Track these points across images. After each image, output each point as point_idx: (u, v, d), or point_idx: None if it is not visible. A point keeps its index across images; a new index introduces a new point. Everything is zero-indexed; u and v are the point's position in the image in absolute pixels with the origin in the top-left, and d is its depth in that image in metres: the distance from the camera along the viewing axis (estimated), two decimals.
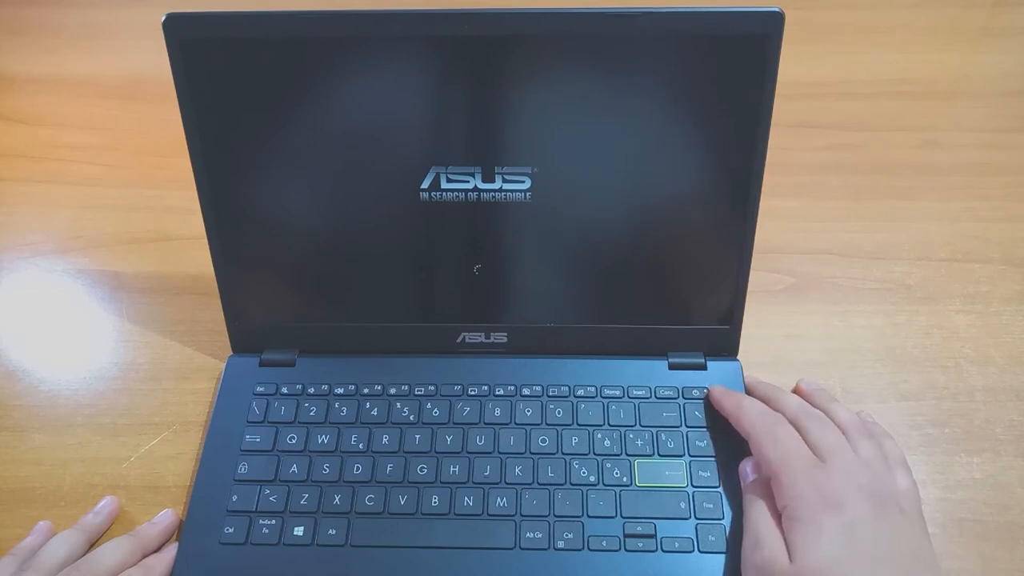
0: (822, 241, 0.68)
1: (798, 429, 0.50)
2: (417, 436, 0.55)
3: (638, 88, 0.50)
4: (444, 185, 0.53)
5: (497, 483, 0.53)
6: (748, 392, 0.56)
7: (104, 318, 0.65)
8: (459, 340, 0.58)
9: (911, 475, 0.49)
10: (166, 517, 0.52)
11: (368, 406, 0.56)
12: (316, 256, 0.57)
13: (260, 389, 0.57)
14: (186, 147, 0.52)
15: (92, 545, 0.51)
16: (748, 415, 0.51)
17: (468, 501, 0.52)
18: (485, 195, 0.53)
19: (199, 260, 0.64)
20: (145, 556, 0.50)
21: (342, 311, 0.58)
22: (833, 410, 0.53)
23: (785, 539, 0.45)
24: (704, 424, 0.55)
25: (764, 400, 0.54)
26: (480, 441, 0.54)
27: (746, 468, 0.51)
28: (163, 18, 0.48)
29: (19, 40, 0.89)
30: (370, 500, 0.52)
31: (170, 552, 0.50)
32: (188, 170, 0.52)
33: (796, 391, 0.57)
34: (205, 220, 0.54)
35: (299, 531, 0.51)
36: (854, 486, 0.46)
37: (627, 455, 0.54)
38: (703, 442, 0.54)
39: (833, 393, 0.58)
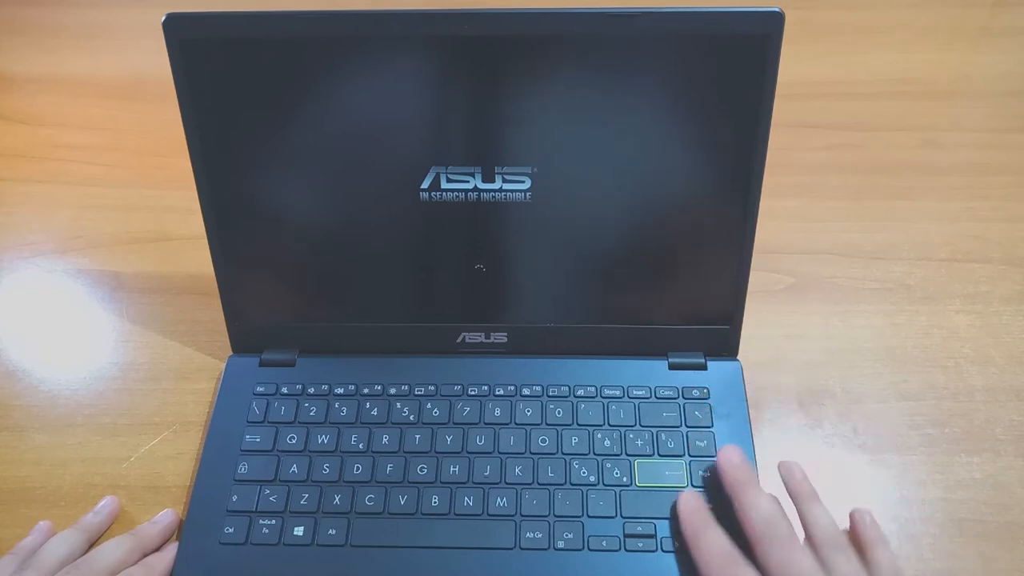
0: (822, 241, 0.68)
1: (758, 553, 0.45)
2: (417, 436, 0.55)
3: (638, 88, 0.50)
4: (444, 185, 0.53)
5: (497, 483, 0.53)
6: (721, 468, 0.50)
7: (104, 318, 0.65)
8: (459, 340, 0.58)
9: None
10: (166, 516, 0.52)
11: (368, 406, 0.56)
12: (316, 256, 0.57)
13: (260, 389, 0.57)
14: (186, 147, 0.52)
15: (92, 545, 0.51)
16: (704, 553, 0.46)
17: (468, 501, 0.52)
18: (485, 195, 0.53)
19: (199, 260, 0.64)
20: (145, 555, 0.50)
21: (342, 311, 0.58)
22: (810, 514, 0.47)
23: None
24: (704, 424, 0.55)
25: (732, 490, 0.48)
26: (480, 441, 0.54)
27: None
28: (163, 18, 0.48)
29: (19, 40, 0.89)
30: (370, 500, 0.52)
31: (171, 551, 0.50)
32: (188, 170, 0.52)
33: (781, 470, 0.51)
34: (205, 220, 0.54)
35: (299, 531, 0.51)
36: None
37: (627, 455, 0.54)
38: (703, 442, 0.54)
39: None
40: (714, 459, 0.53)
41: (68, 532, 0.50)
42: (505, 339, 0.58)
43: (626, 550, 0.50)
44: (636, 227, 0.55)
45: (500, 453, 0.54)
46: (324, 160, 0.53)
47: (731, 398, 0.56)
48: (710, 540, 0.47)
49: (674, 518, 0.50)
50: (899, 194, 0.71)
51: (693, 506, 0.49)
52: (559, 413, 0.56)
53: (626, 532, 0.50)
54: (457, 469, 0.53)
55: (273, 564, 0.50)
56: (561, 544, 0.50)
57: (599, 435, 0.54)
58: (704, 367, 0.58)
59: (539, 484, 0.52)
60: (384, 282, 0.57)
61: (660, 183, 0.53)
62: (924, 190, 0.72)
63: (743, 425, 0.55)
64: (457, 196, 0.53)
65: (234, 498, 0.52)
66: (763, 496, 0.47)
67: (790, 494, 0.49)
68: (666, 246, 0.55)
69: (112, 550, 0.49)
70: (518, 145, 0.52)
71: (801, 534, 0.47)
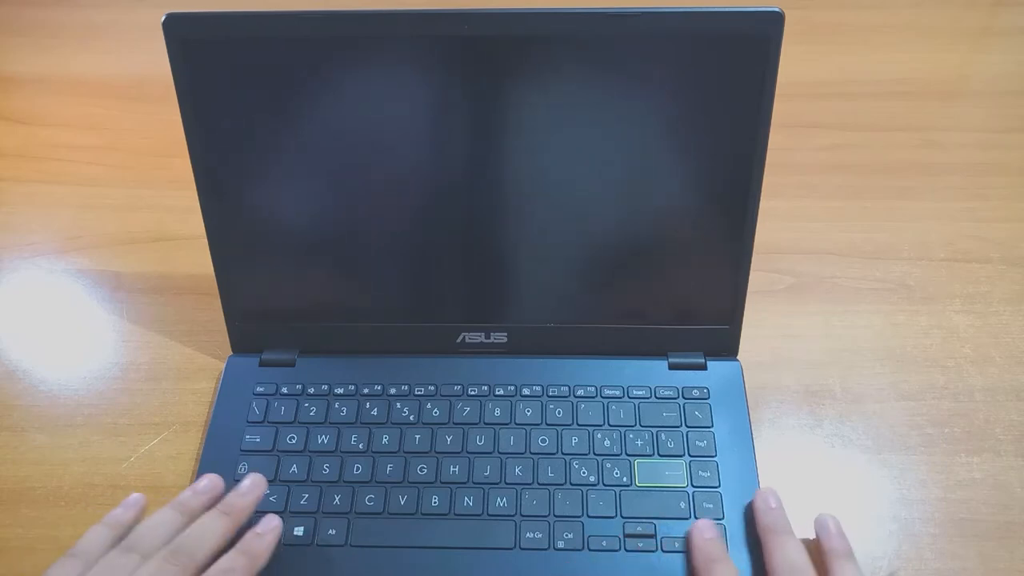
0: (822, 241, 0.68)
1: None
2: (417, 436, 0.55)
3: (638, 88, 0.50)
4: (444, 184, 0.53)
5: (497, 483, 0.53)
6: (757, 508, 0.50)
7: (104, 318, 0.65)
8: (459, 340, 0.58)
9: None
10: (256, 487, 0.49)
11: (368, 406, 0.56)
12: (316, 256, 0.57)
13: (260, 389, 0.57)
14: (186, 147, 0.52)
15: None
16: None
17: (468, 501, 0.52)
18: (485, 193, 0.53)
19: (199, 260, 0.64)
20: (239, 529, 0.47)
21: (342, 311, 0.58)
22: (841, 572, 0.46)
23: None
24: (704, 424, 0.55)
25: (764, 533, 0.48)
26: (480, 441, 0.54)
27: None
28: (163, 18, 0.48)
29: (19, 40, 0.89)
30: (370, 500, 0.52)
31: (270, 532, 0.47)
32: (188, 170, 0.52)
33: (816, 523, 0.50)
34: (205, 220, 0.54)
35: (299, 531, 0.51)
36: None
37: (627, 455, 0.54)
38: (703, 442, 0.54)
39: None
40: (714, 459, 0.53)
41: (167, 511, 0.47)
42: (505, 339, 0.58)
43: (626, 550, 0.50)
44: (636, 227, 0.55)
45: (500, 453, 0.54)
46: (323, 160, 0.53)
47: (731, 398, 0.56)
48: (722, 572, 0.46)
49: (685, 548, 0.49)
50: (899, 194, 0.71)
51: (709, 535, 0.49)
52: (559, 413, 0.56)
53: (626, 532, 0.50)
54: (457, 469, 0.53)
55: (273, 564, 0.50)
56: (561, 544, 0.50)
57: (599, 435, 0.54)
58: (704, 367, 0.58)
59: (539, 484, 0.52)
60: (384, 282, 0.57)
61: (661, 183, 0.53)
62: (924, 190, 0.72)
63: (743, 425, 0.55)
64: (458, 194, 0.53)
65: None
66: (792, 543, 0.47)
67: (822, 549, 0.48)
68: (666, 246, 0.56)
69: (209, 532, 0.46)
70: (518, 145, 0.52)
71: None
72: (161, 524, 0.46)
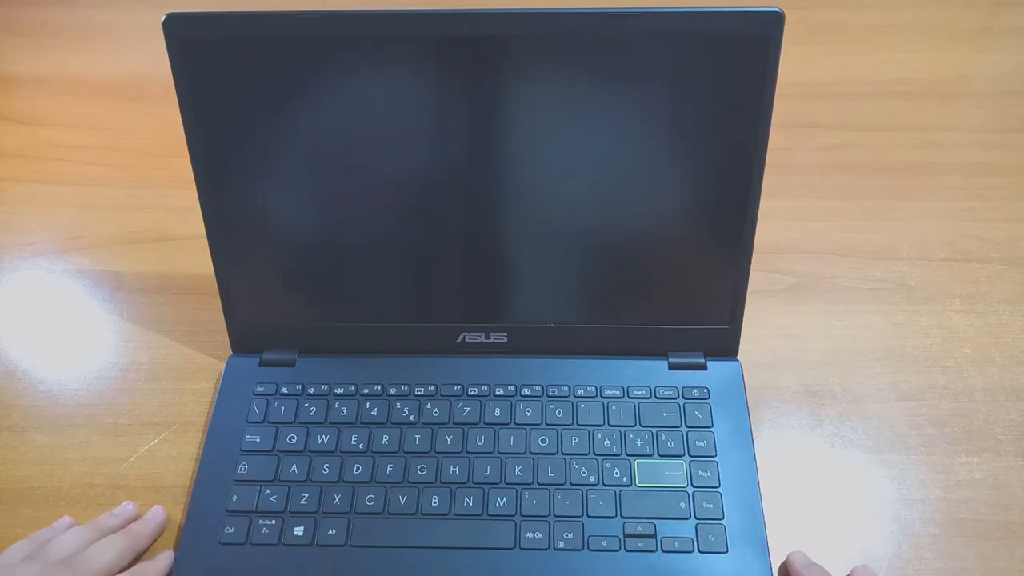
0: (822, 241, 0.68)
1: None
2: (417, 436, 0.55)
3: (638, 88, 0.50)
4: (444, 184, 0.53)
5: (497, 483, 0.53)
6: (794, 564, 0.50)
7: (104, 318, 0.65)
8: (459, 340, 0.58)
9: None
10: (157, 514, 0.52)
11: (368, 406, 0.56)
12: (316, 256, 0.57)
13: (260, 389, 0.57)
14: (186, 147, 0.52)
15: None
16: None
17: (468, 501, 0.52)
18: (486, 193, 0.53)
19: (199, 260, 0.64)
20: (138, 555, 0.50)
21: (342, 311, 0.58)
22: None
23: None
24: (704, 424, 0.55)
25: None
26: (480, 441, 0.54)
27: None
28: (163, 18, 0.48)
29: (19, 40, 0.89)
30: (370, 500, 0.52)
31: (163, 561, 0.50)
32: (188, 170, 0.52)
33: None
34: (205, 220, 0.54)
35: (299, 531, 0.51)
36: None
37: (627, 455, 0.54)
38: (703, 442, 0.54)
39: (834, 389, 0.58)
40: (714, 459, 0.53)
41: (81, 529, 0.50)
42: (505, 339, 0.58)
43: (626, 550, 0.50)
44: (637, 227, 0.55)
45: (500, 453, 0.54)
46: (323, 160, 0.53)
47: (731, 398, 0.56)
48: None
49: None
50: (899, 194, 0.71)
51: (806, 560, 0.50)
52: (559, 413, 0.56)
53: (626, 532, 0.50)
54: (457, 469, 0.53)
55: (273, 564, 0.50)
56: (561, 544, 0.50)
57: (599, 435, 0.54)
58: (704, 367, 0.58)
59: (539, 484, 0.52)
60: (384, 282, 0.57)
61: (661, 183, 0.53)
62: (924, 190, 0.72)
63: (743, 425, 0.55)
64: (458, 194, 0.53)
65: (234, 498, 0.52)
66: None
67: None
68: (666, 246, 0.55)
69: (106, 550, 0.49)
70: (518, 145, 0.52)
71: None
72: (71, 539, 0.49)
